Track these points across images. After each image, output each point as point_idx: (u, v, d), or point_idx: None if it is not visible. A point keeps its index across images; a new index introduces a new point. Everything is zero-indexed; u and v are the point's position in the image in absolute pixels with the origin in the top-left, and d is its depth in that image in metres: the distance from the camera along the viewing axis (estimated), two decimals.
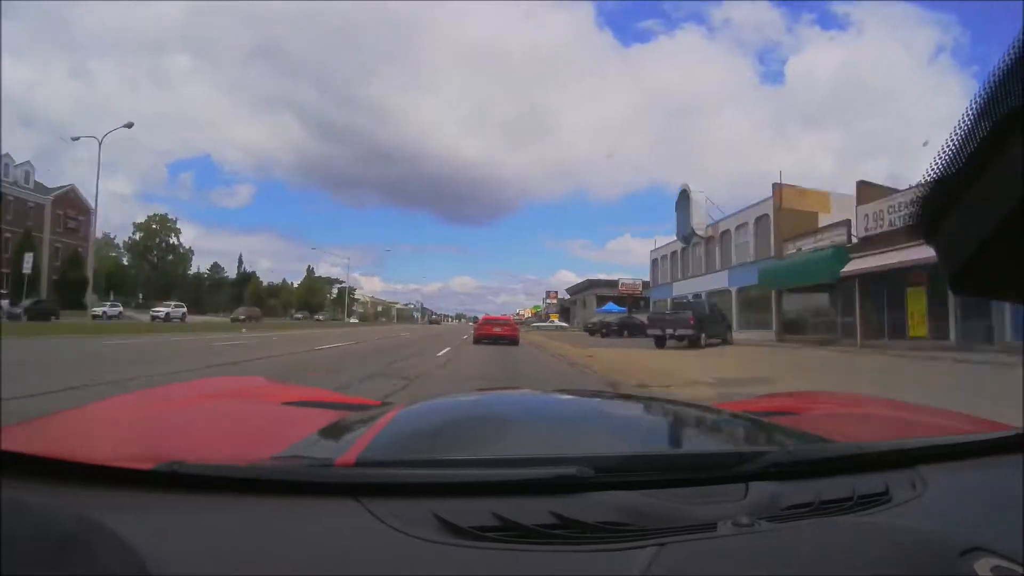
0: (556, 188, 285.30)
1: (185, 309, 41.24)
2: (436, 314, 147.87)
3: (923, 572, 0.52)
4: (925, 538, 0.59)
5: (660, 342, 17.38)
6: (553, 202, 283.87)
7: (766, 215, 23.55)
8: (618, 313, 37.49)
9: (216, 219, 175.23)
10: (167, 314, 37.04)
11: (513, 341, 18.13)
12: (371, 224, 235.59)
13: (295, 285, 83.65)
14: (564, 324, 60.11)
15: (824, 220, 21.11)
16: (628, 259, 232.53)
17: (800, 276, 20.13)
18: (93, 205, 36.27)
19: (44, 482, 0.63)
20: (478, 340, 18.13)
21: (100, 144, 27.32)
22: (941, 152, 0.41)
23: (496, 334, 18.29)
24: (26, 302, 31.00)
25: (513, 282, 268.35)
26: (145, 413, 1.09)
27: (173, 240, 70.73)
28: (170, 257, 70.38)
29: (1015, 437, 0.88)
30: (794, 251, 21.34)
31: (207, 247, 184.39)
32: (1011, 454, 0.85)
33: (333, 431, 0.97)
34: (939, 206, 0.44)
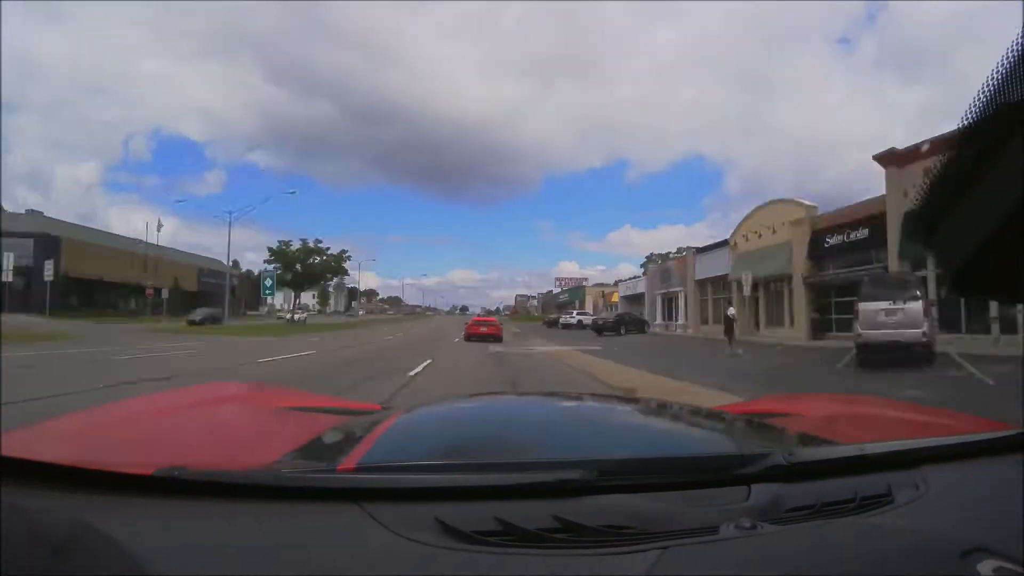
0: (586, 158, 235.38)
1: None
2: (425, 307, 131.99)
3: (925, 573, 0.52)
4: (927, 539, 0.59)
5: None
6: (575, 178, 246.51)
7: None
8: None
9: (191, 210, 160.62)
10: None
11: (497, 339, 19.79)
12: (361, 210, 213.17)
13: None
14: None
15: None
16: (629, 251, 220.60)
17: None
18: None
19: (44, 487, 0.63)
20: (469, 338, 20.02)
21: None
22: (941, 152, 0.41)
23: (483, 333, 20.37)
24: None
25: (515, 274, 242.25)
26: (146, 418, 1.08)
27: None
28: None
29: (1016, 437, 0.88)
30: None
31: (190, 241, 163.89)
32: (1013, 454, 0.84)
33: (334, 436, 0.96)
34: (939, 207, 0.44)
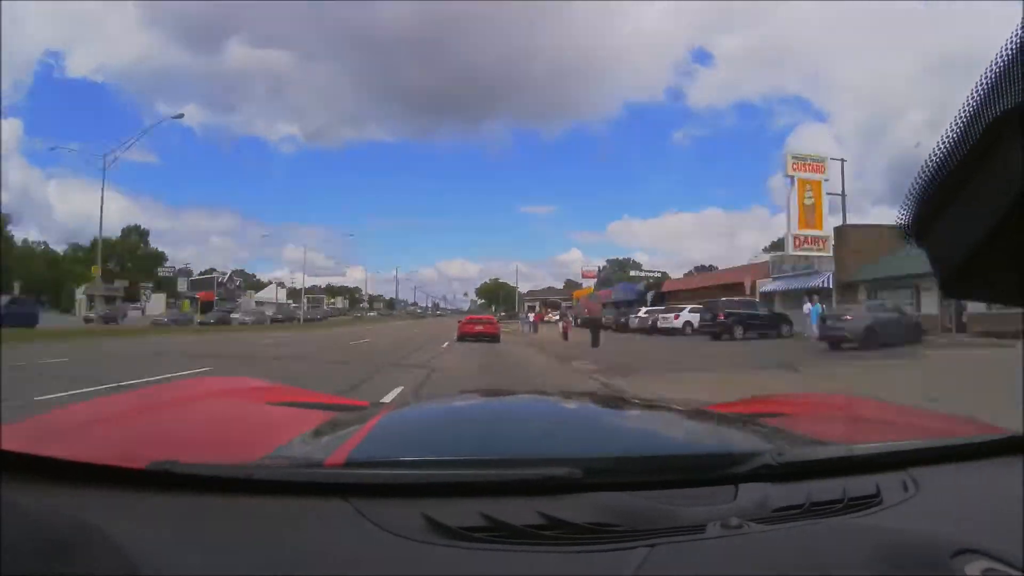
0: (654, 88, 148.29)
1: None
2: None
3: (914, 574, 0.52)
4: (916, 540, 0.59)
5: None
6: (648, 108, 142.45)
7: None
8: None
9: (143, 187, 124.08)
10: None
11: (494, 338, 18.19)
12: (335, 177, 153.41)
13: None
14: None
15: None
16: (631, 242, 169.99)
17: None
18: None
19: (38, 481, 0.62)
20: (462, 338, 18.18)
21: None
22: (933, 153, 0.41)
23: (479, 332, 18.51)
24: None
25: (510, 265, 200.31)
26: (137, 413, 1.08)
27: None
28: None
29: (1006, 439, 0.88)
30: None
31: (155, 227, 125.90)
32: (1002, 456, 0.85)
33: (323, 431, 0.96)
34: (931, 209, 0.44)
